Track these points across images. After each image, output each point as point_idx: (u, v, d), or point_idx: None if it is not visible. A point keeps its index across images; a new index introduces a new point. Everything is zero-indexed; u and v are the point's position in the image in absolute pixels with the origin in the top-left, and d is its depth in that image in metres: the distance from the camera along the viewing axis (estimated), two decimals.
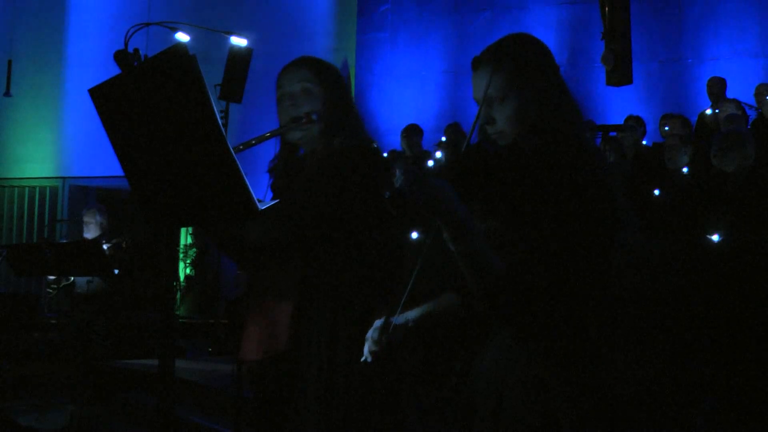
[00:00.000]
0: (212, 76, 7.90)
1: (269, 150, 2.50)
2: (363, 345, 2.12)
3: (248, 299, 2.36)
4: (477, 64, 1.85)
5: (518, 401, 1.69)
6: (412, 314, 1.96)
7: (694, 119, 7.81)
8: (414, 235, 4.68)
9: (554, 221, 1.61)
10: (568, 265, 1.62)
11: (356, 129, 2.36)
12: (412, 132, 7.99)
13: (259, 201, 1.85)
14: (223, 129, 1.75)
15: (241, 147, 2.13)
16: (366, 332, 2.17)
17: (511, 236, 1.67)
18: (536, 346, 1.69)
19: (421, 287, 1.83)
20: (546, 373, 1.67)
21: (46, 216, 10.41)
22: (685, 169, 5.78)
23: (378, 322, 1.93)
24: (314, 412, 2.21)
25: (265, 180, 2.49)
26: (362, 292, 2.24)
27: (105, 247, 5.83)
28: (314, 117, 2.29)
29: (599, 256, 1.67)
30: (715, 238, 4.30)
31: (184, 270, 10.06)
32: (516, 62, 1.79)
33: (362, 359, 1.95)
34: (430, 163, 6.95)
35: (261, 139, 2.28)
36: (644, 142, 7.64)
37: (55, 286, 6.32)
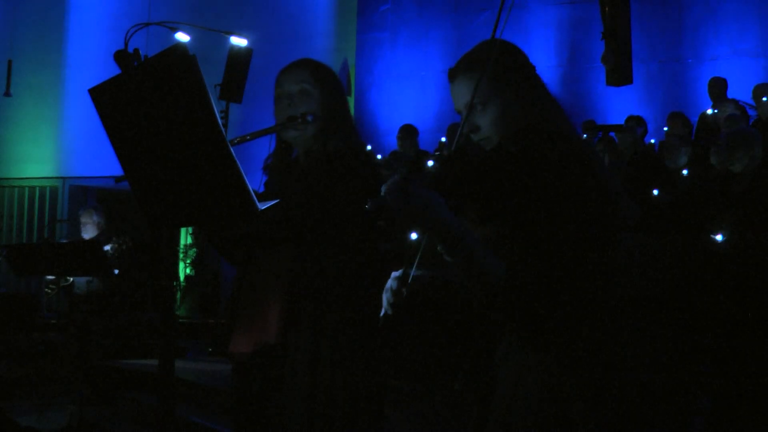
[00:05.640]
0: (212, 76, 7.91)
1: (263, 148, 2.52)
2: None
3: (238, 294, 2.38)
4: (454, 74, 1.83)
5: (533, 404, 1.67)
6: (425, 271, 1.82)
7: (693, 119, 7.82)
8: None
9: (548, 219, 1.60)
10: (565, 261, 1.61)
11: (350, 133, 2.40)
12: (408, 133, 7.97)
13: (256, 192, 1.86)
14: (223, 129, 1.75)
15: (236, 141, 2.17)
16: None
17: (505, 238, 1.65)
18: (544, 346, 1.67)
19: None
20: (559, 376, 1.65)
21: (46, 216, 10.40)
22: (685, 171, 5.78)
23: (395, 273, 1.80)
24: (299, 408, 2.22)
25: (258, 176, 2.51)
26: (349, 291, 2.27)
27: (108, 247, 5.82)
28: (309, 118, 2.33)
29: (596, 251, 1.65)
30: (719, 238, 4.29)
31: (184, 270, 10.06)
32: (493, 67, 1.76)
33: (381, 314, 1.82)
34: (430, 163, 6.94)
35: (256, 135, 2.32)
36: (653, 140, 7.64)
37: (54, 286, 6.32)
